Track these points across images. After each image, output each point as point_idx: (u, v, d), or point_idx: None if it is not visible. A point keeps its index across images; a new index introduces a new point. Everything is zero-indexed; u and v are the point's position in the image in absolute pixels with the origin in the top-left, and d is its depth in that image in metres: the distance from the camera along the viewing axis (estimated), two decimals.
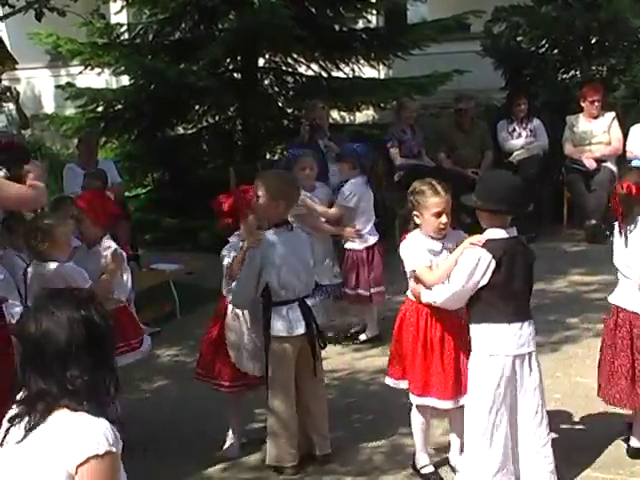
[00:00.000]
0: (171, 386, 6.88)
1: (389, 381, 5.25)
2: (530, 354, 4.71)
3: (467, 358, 4.86)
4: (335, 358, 7.16)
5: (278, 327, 5.27)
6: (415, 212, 4.98)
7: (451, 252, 4.89)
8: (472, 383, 4.77)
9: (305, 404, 5.41)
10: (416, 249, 4.97)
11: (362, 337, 7.57)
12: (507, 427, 4.71)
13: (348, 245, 7.49)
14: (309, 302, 5.34)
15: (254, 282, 5.24)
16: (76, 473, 2.66)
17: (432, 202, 4.92)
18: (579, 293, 8.33)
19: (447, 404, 4.98)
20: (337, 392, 6.43)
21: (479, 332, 4.72)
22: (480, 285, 4.62)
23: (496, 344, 4.66)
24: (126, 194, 11.10)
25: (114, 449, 2.69)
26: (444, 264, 4.85)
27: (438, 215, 4.93)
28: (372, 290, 7.46)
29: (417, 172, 10.48)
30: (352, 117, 12.97)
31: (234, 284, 5.35)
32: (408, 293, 5.14)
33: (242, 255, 5.34)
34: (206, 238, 10.40)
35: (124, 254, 5.77)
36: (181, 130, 12.37)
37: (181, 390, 6.75)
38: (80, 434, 2.68)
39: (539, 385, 4.76)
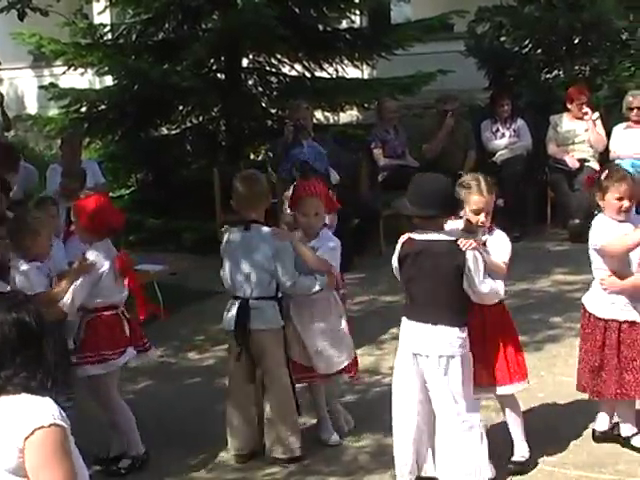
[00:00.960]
0: (156, 387, 6.86)
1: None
2: (428, 356, 4.80)
3: (509, 346, 5.05)
4: None
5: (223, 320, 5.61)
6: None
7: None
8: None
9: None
10: None
11: None
12: (416, 421, 4.91)
13: None
14: (252, 303, 5.41)
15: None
16: (24, 447, 2.72)
17: (473, 199, 5.01)
18: (562, 292, 8.34)
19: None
20: None
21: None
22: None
23: (402, 337, 4.98)
24: (110, 195, 11.06)
25: (60, 422, 2.76)
26: None
27: (476, 213, 5.01)
28: None
29: (401, 172, 10.54)
30: (336, 117, 12.97)
31: None
32: None
33: None
34: (190, 239, 10.41)
35: (96, 267, 5.53)
36: (165, 130, 12.34)
37: (166, 390, 6.74)
38: (24, 410, 2.76)
39: (442, 391, 4.81)
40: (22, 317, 2.87)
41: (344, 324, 5.72)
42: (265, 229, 5.50)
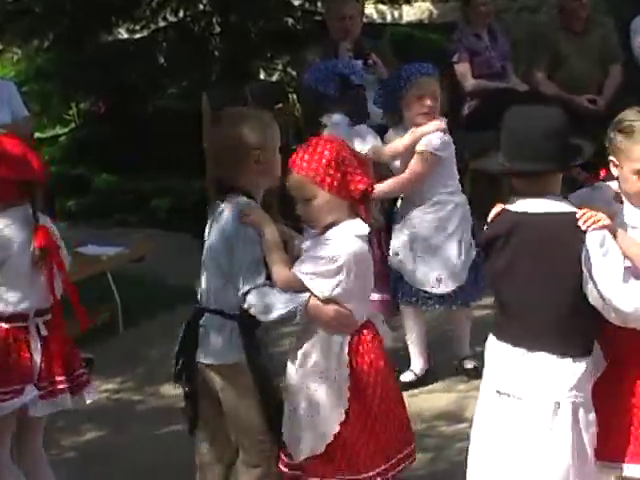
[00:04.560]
0: (109, 438, 6.93)
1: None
2: (521, 399, 4.83)
3: None
4: None
5: None
6: (612, 158, 4.86)
7: None
8: None
9: None
10: None
11: (405, 378, 7.44)
12: None
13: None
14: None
15: None
16: None
17: (637, 153, 4.73)
18: None
19: None
20: None
21: None
22: None
23: (486, 366, 4.93)
24: (37, 135, 11.15)
25: None
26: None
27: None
28: None
29: (500, 101, 10.55)
30: (398, 13, 13.01)
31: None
32: None
33: None
34: (163, 206, 10.47)
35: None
36: (124, 34, 12.41)
37: (124, 444, 6.81)
38: None
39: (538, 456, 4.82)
40: None
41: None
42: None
